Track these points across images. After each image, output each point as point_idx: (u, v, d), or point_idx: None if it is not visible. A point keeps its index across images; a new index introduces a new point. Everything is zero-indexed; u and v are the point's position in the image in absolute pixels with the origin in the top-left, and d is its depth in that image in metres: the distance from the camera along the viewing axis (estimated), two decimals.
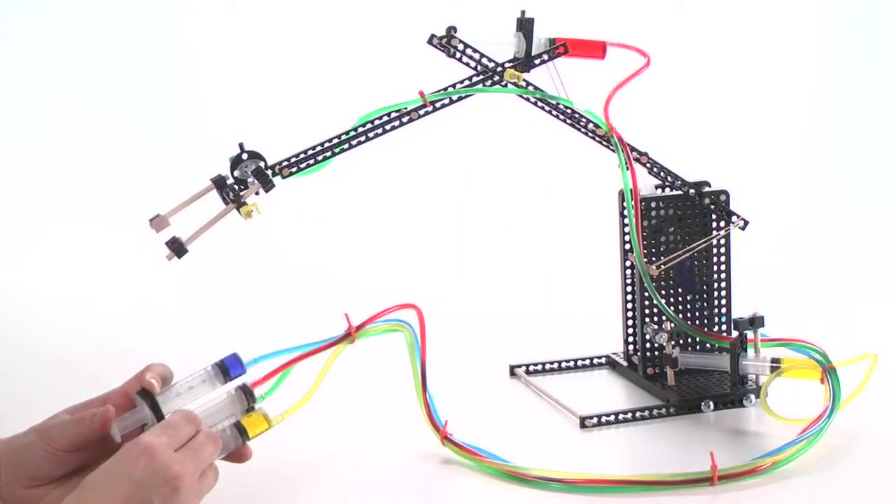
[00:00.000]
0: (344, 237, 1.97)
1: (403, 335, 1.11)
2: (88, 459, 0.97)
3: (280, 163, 1.15)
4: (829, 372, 1.15)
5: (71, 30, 2.11)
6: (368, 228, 1.99)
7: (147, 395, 0.99)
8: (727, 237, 1.31)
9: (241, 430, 1.01)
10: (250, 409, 1.03)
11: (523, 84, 1.21)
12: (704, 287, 1.32)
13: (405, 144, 1.27)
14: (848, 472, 1.08)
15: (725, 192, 1.30)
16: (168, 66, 2.12)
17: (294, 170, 1.16)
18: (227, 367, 1.03)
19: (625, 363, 1.37)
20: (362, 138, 1.17)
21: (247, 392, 1.03)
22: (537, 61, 1.22)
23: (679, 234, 1.30)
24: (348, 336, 1.08)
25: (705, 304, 1.32)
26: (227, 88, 2.11)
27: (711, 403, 1.25)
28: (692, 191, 1.29)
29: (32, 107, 2.10)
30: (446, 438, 1.13)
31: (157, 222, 1.11)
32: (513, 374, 1.41)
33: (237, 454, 1.02)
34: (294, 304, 1.72)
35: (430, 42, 1.19)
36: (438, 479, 1.11)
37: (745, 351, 1.22)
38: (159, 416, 0.99)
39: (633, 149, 1.24)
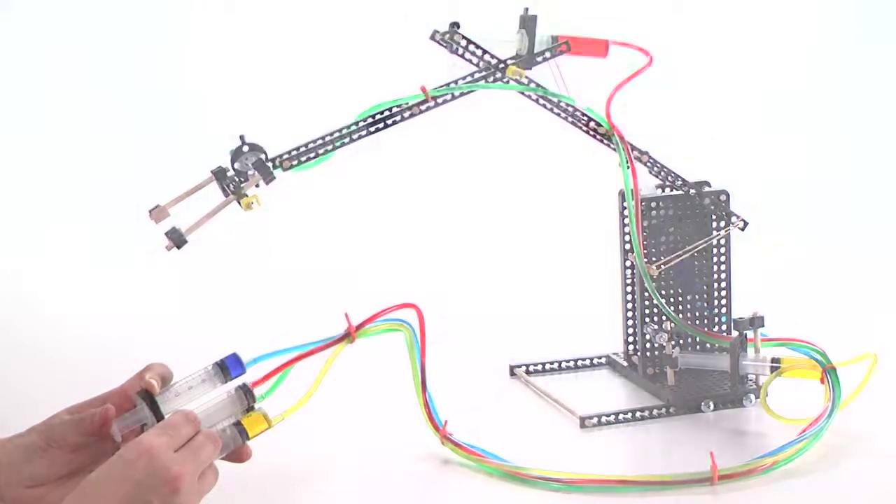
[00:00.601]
0: (343, 237, 1.97)
1: (403, 335, 1.11)
2: (88, 459, 0.97)
3: (281, 155, 1.15)
4: (829, 372, 1.15)
5: (70, 27, 2.11)
6: (368, 228, 1.99)
7: (147, 395, 0.99)
8: (727, 237, 1.31)
9: (240, 430, 1.01)
10: (250, 409, 1.03)
11: (525, 81, 1.21)
12: (704, 287, 1.32)
13: (406, 141, 1.27)
14: (848, 472, 1.08)
15: (725, 192, 1.30)
16: (169, 60, 2.12)
17: (295, 163, 1.15)
18: (227, 367, 1.03)
19: (625, 363, 1.37)
20: (363, 132, 1.17)
21: (246, 392, 1.03)
22: (539, 58, 1.21)
23: (679, 234, 1.30)
24: (348, 336, 1.08)
25: (705, 304, 1.32)
26: (228, 82, 2.11)
27: (711, 403, 1.25)
28: (692, 191, 1.29)
29: (32, 106, 2.10)
30: (446, 438, 1.13)
31: (157, 213, 1.10)
32: (513, 374, 1.41)
33: (237, 454, 1.02)
34: (294, 304, 1.72)
35: (432, 38, 1.19)
36: (438, 479, 1.11)
37: (745, 351, 1.22)
38: (159, 416, 0.99)
39: (633, 148, 1.24)
